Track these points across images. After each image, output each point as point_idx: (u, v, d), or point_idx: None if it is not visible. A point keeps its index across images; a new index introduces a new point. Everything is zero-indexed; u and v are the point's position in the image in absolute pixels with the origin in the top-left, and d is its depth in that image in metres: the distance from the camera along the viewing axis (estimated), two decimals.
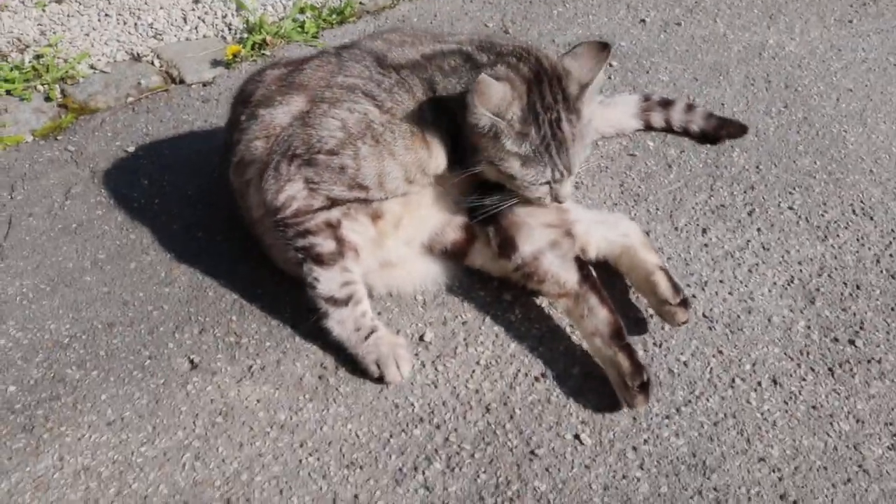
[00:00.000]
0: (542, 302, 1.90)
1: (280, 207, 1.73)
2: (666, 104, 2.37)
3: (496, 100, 1.57)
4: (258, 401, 1.71)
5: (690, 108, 2.38)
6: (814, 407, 1.72)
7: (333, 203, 1.72)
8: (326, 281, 1.73)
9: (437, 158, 1.71)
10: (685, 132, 2.37)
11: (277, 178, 1.72)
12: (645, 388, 1.67)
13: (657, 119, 2.37)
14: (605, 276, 1.88)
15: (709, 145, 2.35)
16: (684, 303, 1.80)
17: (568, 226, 1.84)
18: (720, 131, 2.36)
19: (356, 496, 1.55)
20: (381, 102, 1.68)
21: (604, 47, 1.67)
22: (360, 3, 2.94)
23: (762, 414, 1.70)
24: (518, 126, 1.60)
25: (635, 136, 2.38)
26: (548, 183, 1.68)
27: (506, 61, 1.66)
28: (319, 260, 1.73)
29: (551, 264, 1.78)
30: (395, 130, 1.68)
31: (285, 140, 1.73)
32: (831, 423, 1.69)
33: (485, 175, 1.72)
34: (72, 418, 1.68)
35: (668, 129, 2.38)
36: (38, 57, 2.63)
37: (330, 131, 1.69)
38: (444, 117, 1.68)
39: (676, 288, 1.81)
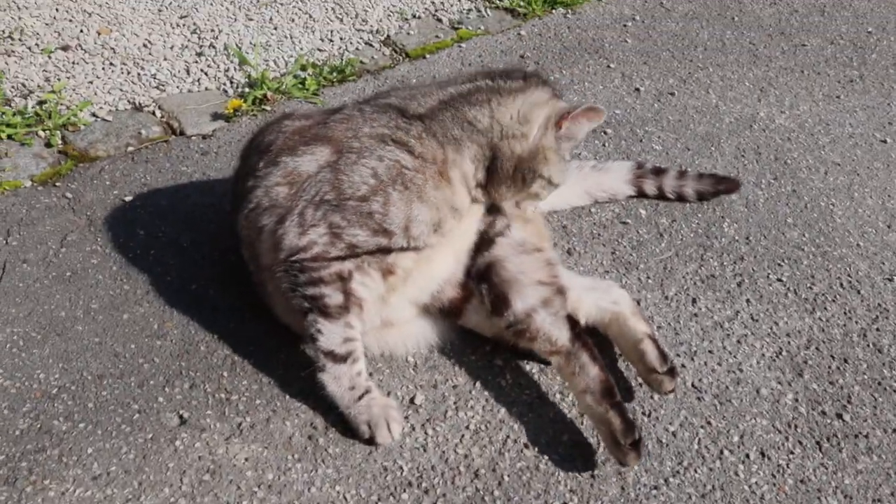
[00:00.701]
0: (532, 368, 1.92)
1: (300, 249, 1.75)
2: (658, 172, 2.42)
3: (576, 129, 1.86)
4: (246, 459, 1.70)
5: (682, 174, 2.42)
6: (802, 481, 1.72)
7: (352, 252, 1.75)
8: (329, 334, 1.75)
9: (460, 194, 1.81)
10: (679, 198, 2.42)
11: (302, 222, 1.76)
12: (636, 445, 1.68)
13: (650, 186, 2.42)
14: (595, 342, 1.89)
15: (699, 216, 2.39)
16: (671, 371, 1.82)
17: (559, 283, 1.87)
18: (716, 188, 2.43)
19: None
20: (411, 148, 1.77)
21: None
22: (361, 62, 2.99)
23: (750, 487, 1.71)
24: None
25: (628, 203, 2.42)
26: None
27: (541, 80, 1.89)
28: (326, 312, 1.75)
29: (543, 321, 1.80)
30: (426, 173, 1.76)
31: (314, 185, 1.77)
32: (819, 499, 1.69)
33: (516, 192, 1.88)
34: (56, 472, 1.67)
35: (661, 196, 2.42)
36: (41, 103, 2.66)
37: (362, 178, 1.75)
38: (470, 152, 1.81)
39: (664, 357, 1.83)
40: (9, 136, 2.52)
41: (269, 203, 1.81)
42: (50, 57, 2.89)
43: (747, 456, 1.77)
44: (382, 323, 1.85)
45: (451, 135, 1.80)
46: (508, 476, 1.70)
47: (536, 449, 1.75)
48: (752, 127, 2.78)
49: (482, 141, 1.81)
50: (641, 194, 2.43)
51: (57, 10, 3.15)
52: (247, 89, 2.78)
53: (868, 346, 2.03)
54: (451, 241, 1.84)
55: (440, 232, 1.79)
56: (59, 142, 2.54)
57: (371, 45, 3.10)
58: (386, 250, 1.76)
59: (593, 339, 1.90)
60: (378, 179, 1.75)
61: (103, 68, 2.87)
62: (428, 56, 3.08)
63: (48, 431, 1.74)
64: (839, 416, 1.86)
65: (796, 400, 1.89)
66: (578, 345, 1.79)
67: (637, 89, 2.94)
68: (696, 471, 1.73)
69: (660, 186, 2.42)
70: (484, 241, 1.86)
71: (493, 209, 1.91)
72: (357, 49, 3.08)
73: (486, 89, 1.84)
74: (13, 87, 2.74)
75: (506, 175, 1.83)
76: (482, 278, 1.84)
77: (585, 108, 1.83)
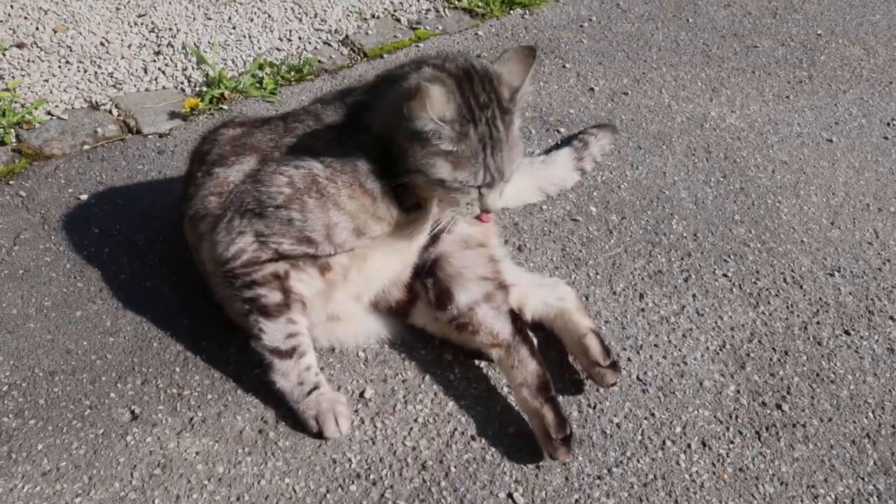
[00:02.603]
0: (480, 364, 1.95)
1: (230, 258, 1.77)
2: (586, 145, 2.55)
3: (433, 102, 1.56)
4: (197, 453, 1.72)
5: (596, 138, 2.60)
6: (741, 469, 1.78)
7: (281, 257, 1.76)
8: (271, 332, 1.77)
9: (382, 204, 1.74)
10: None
11: (230, 230, 1.78)
12: (567, 441, 1.72)
13: (588, 164, 2.54)
14: (543, 337, 1.94)
15: (649, 213, 2.44)
16: (614, 365, 1.87)
17: (501, 279, 1.91)
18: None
19: None
20: (322, 158, 1.74)
21: (531, 51, 1.71)
22: (319, 61, 3.01)
23: (691, 476, 1.76)
24: (457, 126, 1.60)
25: (579, 201, 2.47)
26: (479, 188, 1.67)
27: (431, 64, 1.69)
28: (265, 311, 1.77)
29: (486, 315, 1.84)
30: (338, 181, 1.72)
31: (238, 196, 1.79)
32: (756, 486, 1.75)
33: (419, 189, 1.73)
34: (5, 468, 1.67)
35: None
36: None
37: (278, 187, 1.75)
38: (379, 152, 1.71)
39: (607, 351, 1.88)
40: None
41: (204, 212, 1.84)
42: (4, 54, 2.88)
43: (689, 446, 1.82)
44: (329, 317, 1.88)
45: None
46: (455, 467, 1.73)
47: (483, 441, 1.79)
48: (703, 126, 2.84)
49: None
50: (584, 173, 2.53)
51: (12, 6, 3.13)
52: (204, 88, 2.78)
53: (808, 339, 2.09)
54: (392, 244, 1.83)
55: (367, 237, 1.77)
56: (14, 140, 2.53)
57: (329, 45, 3.12)
58: (314, 256, 1.78)
59: (540, 334, 1.94)
60: (294, 188, 1.73)
61: (59, 66, 2.86)
62: (386, 56, 3.10)
63: None
64: (778, 406, 1.92)
65: (738, 391, 1.95)
66: (519, 339, 1.83)
67: (591, 89, 2.99)
68: (638, 461, 1.78)
69: (593, 158, 2.57)
70: (431, 238, 1.89)
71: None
72: (315, 49, 3.09)
73: (383, 79, 1.78)
74: None
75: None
76: (428, 273, 1.87)
77: None
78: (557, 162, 2.49)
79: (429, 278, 1.88)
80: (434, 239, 1.88)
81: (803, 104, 2.99)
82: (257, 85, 2.81)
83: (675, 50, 3.25)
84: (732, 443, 1.83)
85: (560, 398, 1.81)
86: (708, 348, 2.05)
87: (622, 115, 2.87)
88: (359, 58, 3.08)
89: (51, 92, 2.74)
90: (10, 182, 2.40)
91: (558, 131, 2.75)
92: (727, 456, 1.80)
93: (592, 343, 1.88)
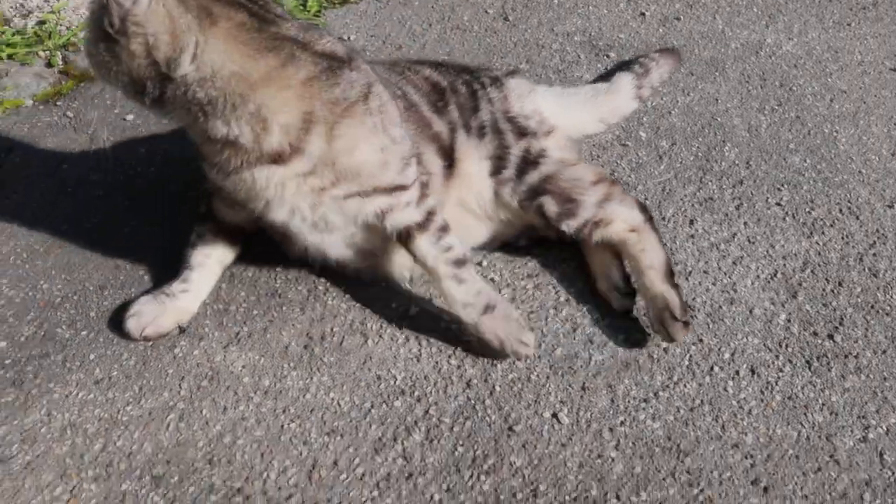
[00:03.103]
0: (527, 284, 1.93)
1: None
2: (646, 72, 2.48)
3: None
4: (243, 366, 1.74)
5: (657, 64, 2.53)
6: (789, 397, 1.75)
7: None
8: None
9: None
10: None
11: None
12: (688, 324, 1.80)
13: (647, 91, 2.47)
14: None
15: (700, 140, 2.37)
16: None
17: (611, 179, 2.01)
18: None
19: (335, 462, 1.58)
20: None
21: None
22: None
23: (738, 402, 1.73)
24: None
25: (628, 126, 2.41)
26: None
27: None
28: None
29: (616, 206, 1.92)
30: None
31: None
32: (805, 414, 1.72)
33: None
34: (60, 375, 1.71)
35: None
36: (41, 23, 2.65)
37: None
38: None
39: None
40: (9, 56, 2.52)
41: None
42: None
43: (737, 372, 1.79)
44: None
45: None
46: (500, 386, 1.73)
47: (528, 361, 1.78)
48: (758, 53, 2.74)
49: None
50: (642, 101, 2.47)
51: None
52: None
53: (864, 270, 2.03)
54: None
55: None
56: (60, 62, 2.54)
57: None
58: None
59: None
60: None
61: None
62: None
63: (52, 338, 1.79)
64: (830, 336, 1.87)
65: (789, 321, 1.90)
66: (649, 225, 1.91)
67: (642, 14, 2.89)
68: (685, 385, 1.76)
69: (652, 87, 2.50)
70: (527, 163, 1.91)
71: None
72: None
73: None
74: (12, 6, 2.72)
75: None
76: (539, 192, 1.89)
77: None
78: (620, 91, 2.40)
79: (543, 196, 1.89)
80: (532, 164, 1.93)
81: (865, 31, 2.87)
82: (301, 7, 2.76)
83: None
84: (782, 371, 1.80)
85: (607, 320, 1.80)
86: (759, 276, 2.00)
87: (674, 40, 2.77)
88: None
89: None
90: (58, 103, 2.41)
91: (608, 56, 2.67)
92: (776, 384, 1.77)
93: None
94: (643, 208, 1.95)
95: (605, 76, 2.52)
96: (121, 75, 1.53)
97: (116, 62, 1.51)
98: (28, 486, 1.53)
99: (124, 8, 1.44)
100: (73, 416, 1.64)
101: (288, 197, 1.64)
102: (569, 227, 1.89)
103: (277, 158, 1.59)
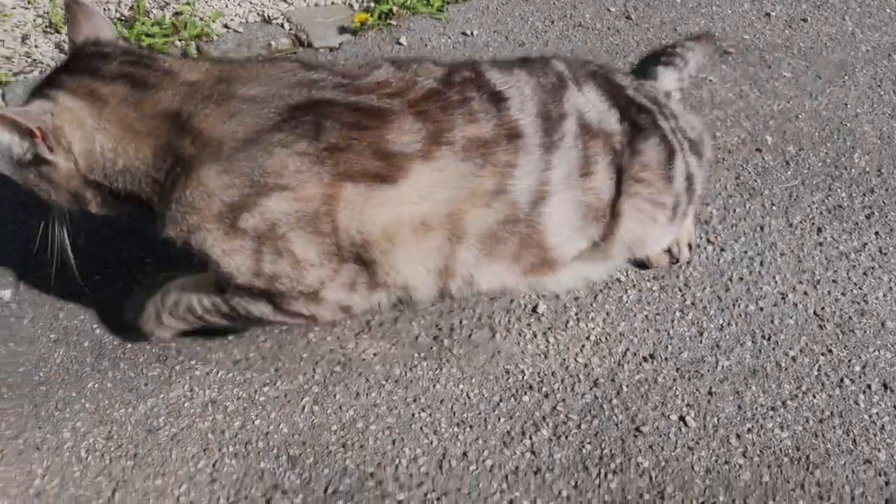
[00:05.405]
0: (653, 286, 1.93)
1: None
2: (685, 63, 2.40)
3: None
4: (375, 354, 1.79)
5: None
6: None
7: None
8: None
9: None
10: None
11: None
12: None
13: (686, 83, 2.41)
14: None
15: (828, 145, 2.32)
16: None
17: None
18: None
19: (465, 453, 1.62)
20: None
21: None
22: None
23: (870, 416, 1.70)
24: None
25: (753, 130, 2.37)
26: None
27: None
28: None
29: None
30: None
31: None
32: None
33: None
34: (201, 354, 1.80)
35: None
36: (177, 14, 2.76)
37: None
38: None
39: None
40: (148, 46, 2.64)
41: None
42: None
43: (869, 386, 1.75)
44: None
45: None
46: (627, 387, 1.74)
47: (655, 363, 1.78)
48: (890, 56, 2.65)
49: None
50: (682, 92, 2.38)
51: None
52: (372, 3, 2.81)
53: None
54: None
55: None
56: (194, 51, 2.64)
57: None
58: None
59: None
60: None
61: None
62: None
63: None
64: None
65: None
66: None
67: (768, 14, 2.83)
68: (814, 396, 1.73)
69: (690, 75, 2.44)
70: None
71: None
72: None
73: None
74: None
75: None
76: None
77: None
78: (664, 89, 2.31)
79: None
80: None
81: None
82: (425, 2, 2.80)
83: None
84: None
85: (733, 326, 1.79)
86: (891, 288, 1.95)
87: (800, 42, 2.71)
88: None
89: (226, 6, 2.84)
90: None
91: (728, 52, 2.63)
92: None
93: None
94: None
95: (647, 71, 2.43)
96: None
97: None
98: (175, 457, 1.62)
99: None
100: (213, 394, 1.72)
101: None
102: None
103: None
